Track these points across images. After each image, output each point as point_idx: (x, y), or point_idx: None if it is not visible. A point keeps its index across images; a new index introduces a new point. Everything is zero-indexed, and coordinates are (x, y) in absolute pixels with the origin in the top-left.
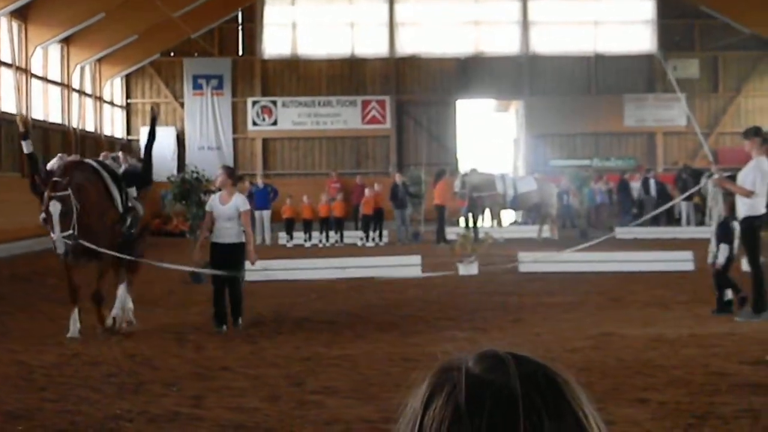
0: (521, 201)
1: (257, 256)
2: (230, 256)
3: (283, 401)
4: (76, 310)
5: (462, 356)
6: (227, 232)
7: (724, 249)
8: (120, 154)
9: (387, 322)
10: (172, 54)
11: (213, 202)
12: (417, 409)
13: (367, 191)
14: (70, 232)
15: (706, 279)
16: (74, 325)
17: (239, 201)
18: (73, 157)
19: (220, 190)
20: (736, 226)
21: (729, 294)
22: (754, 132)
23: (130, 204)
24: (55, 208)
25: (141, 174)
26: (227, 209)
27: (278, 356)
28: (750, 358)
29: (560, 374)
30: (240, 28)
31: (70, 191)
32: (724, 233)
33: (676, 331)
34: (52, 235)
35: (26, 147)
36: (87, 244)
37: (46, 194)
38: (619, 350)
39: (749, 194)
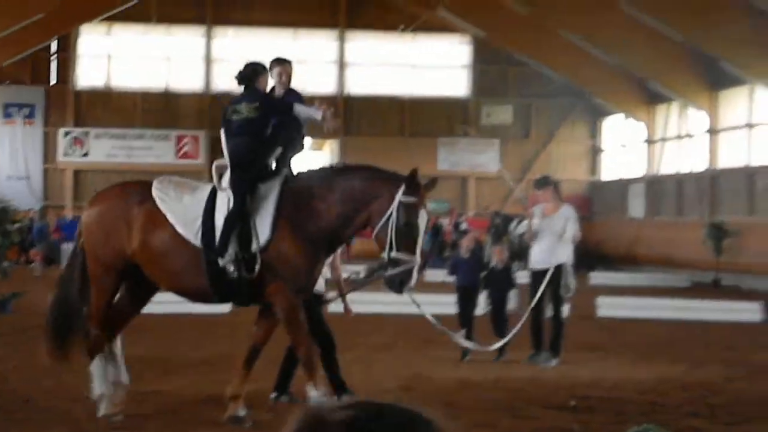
0: None
1: None
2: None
3: None
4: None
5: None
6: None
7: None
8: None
9: (198, 358)
10: None
11: None
12: None
13: None
14: None
15: (516, 323)
16: None
17: None
18: None
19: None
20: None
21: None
22: (546, 181)
23: None
24: (424, 220)
25: None
26: None
27: (85, 390)
28: (555, 403)
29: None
30: (54, 57)
31: None
32: (504, 280)
33: (483, 374)
34: (402, 257)
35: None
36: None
37: (415, 199)
38: (426, 393)
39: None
